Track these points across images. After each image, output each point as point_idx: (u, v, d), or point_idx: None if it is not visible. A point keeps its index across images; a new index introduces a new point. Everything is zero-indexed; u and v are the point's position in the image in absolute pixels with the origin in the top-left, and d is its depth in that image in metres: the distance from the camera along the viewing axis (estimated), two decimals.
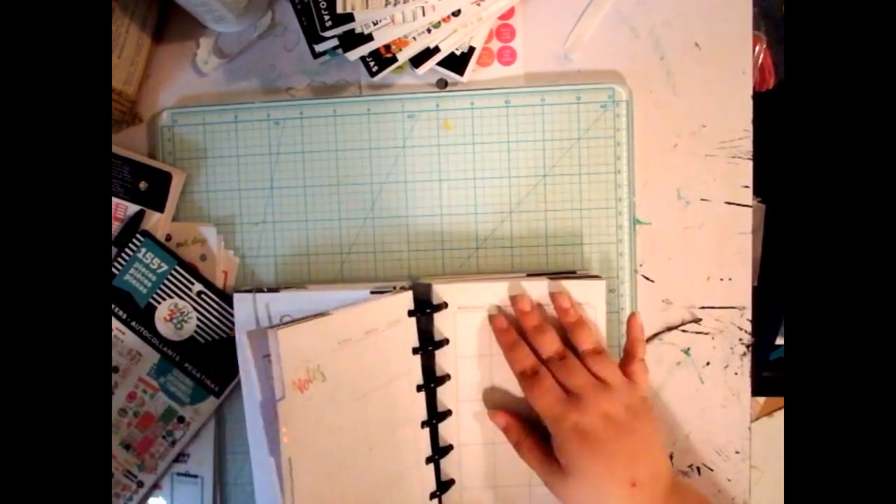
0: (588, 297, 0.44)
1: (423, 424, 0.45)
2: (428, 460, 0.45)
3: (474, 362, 0.45)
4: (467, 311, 0.45)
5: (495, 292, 0.45)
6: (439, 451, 0.45)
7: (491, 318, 0.44)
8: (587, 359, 0.42)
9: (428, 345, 0.44)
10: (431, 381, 0.44)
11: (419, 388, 0.45)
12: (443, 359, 0.45)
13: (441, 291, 0.45)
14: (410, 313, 0.44)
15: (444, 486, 0.45)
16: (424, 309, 0.44)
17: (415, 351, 0.44)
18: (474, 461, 0.45)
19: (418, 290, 0.45)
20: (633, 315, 0.45)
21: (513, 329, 0.44)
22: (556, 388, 0.41)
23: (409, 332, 0.44)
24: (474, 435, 0.45)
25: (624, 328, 0.48)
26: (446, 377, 0.45)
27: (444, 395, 0.45)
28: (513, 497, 0.46)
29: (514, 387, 0.45)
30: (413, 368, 0.45)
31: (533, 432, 0.43)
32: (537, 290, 0.44)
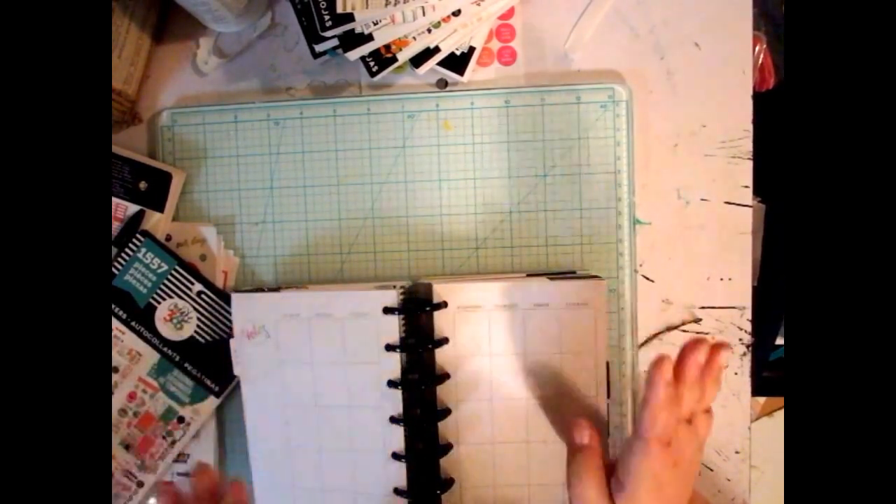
0: (588, 298, 0.44)
1: (398, 422, 0.44)
2: (399, 458, 0.44)
3: (474, 362, 0.45)
4: (467, 310, 0.45)
5: (495, 292, 0.45)
6: (439, 450, 0.45)
7: (659, 361, 0.37)
8: (699, 417, 0.39)
9: (427, 343, 0.44)
10: (431, 380, 0.44)
11: (394, 385, 0.44)
12: (442, 357, 0.45)
13: (441, 291, 0.45)
14: (388, 311, 0.44)
15: (443, 485, 0.45)
16: (417, 308, 0.44)
17: (390, 348, 0.44)
18: (474, 461, 0.45)
19: (418, 290, 0.45)
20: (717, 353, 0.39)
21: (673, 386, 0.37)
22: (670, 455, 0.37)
23: (381, 327, 0.44)
24: (474, 434, 0.45)
25: (625, 328, 0.48)
26: (446, 376, 0.45)
27: (444, 393, 0.45)
28: (512, 497, 0.46)
29: (516, 389, 0.45)
30: (385, 363, 0.44)
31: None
32: (537, 289, 0.44)
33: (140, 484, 0.49)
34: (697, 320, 0.49)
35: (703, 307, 0.49)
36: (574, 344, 0.44)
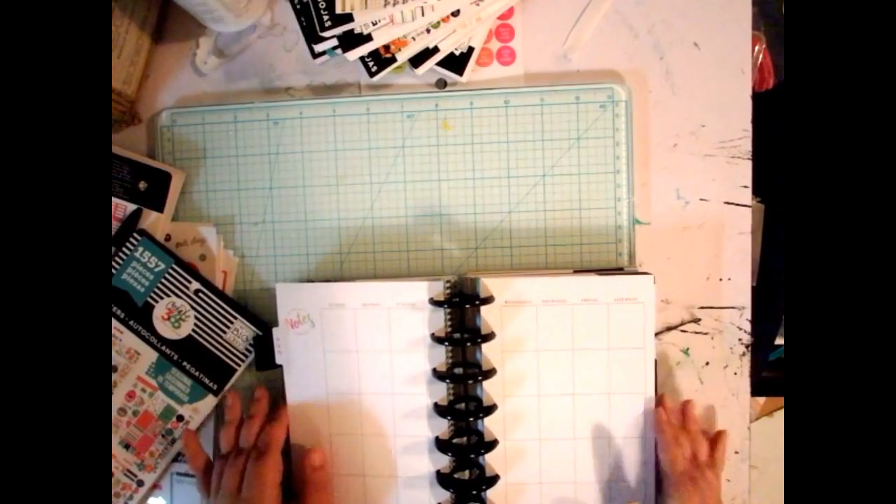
0: (637, 293, 0.44)
1: (443, 414, 0.44)
2: (443, 449, 0.45)
3: (521, 357, 0.45)
4: (514, 305, 0.45)
5: (544, 287, 0.44)
6: (484, 446, 0.45)
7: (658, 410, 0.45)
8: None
9: (476, 338, 0.44)
10: (478, 375, 0.44)
11: (441, 378, 0.44)
12: (489, 352, 0.45)
13: (488, 285, 0.44)
14: (435, 303, 0.44)
15: (488, 480, 0.45)
16: (465, 302, 0.44)
17: (436, 339, 0.44)
18: (519, 457, 0.45)
19: (464, 284, 0.45)
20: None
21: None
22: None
23: (427, 319, 0.45)
24: (520, 431, 0.45)
25: None
26: (492, 371, 0.45)
27: (491, 389, 0.45)
28: (558, 493, 0.45)
29: (563, 385, 0.45)
30: (431, 355, 0.45)
31: None
32: (586, 284, 0.44)
33: (140, 483, 0.49)
34: (697, 320, 0.49)
35: (702, 307, 0.49)
36: (623, 339, 0.44)
